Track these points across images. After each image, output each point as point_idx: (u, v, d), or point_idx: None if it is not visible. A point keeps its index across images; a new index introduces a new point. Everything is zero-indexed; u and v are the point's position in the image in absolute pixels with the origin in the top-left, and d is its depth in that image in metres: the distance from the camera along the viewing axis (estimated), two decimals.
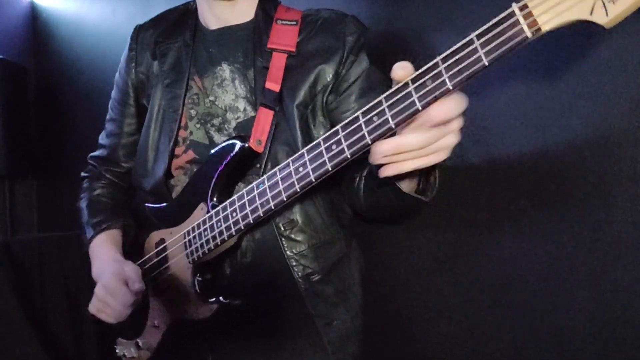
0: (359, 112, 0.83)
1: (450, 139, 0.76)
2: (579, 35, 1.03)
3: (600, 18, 0.65)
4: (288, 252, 1.11)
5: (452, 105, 0.72)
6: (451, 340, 1.29)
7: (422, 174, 0.92)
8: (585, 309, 1.05)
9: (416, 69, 0.76)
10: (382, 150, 0.77)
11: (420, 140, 0.75)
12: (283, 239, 1.11)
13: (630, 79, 0.97)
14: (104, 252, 1.22)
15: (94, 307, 1.15)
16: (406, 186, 0.91)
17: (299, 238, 1.12)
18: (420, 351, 1.36)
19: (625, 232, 1.00)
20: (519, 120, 1.13)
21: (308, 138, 1.11)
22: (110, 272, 1.12)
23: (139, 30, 1.31)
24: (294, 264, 1.11)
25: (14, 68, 2.71)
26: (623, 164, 0.99)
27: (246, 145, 1.08)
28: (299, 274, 1.11)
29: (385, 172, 0.80)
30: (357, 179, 1.11)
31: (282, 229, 1.11)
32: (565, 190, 1.07)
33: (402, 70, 0.75)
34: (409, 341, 1.38)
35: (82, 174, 1.42)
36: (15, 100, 2.67)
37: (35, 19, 3.01)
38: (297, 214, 1.12)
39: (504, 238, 1.18)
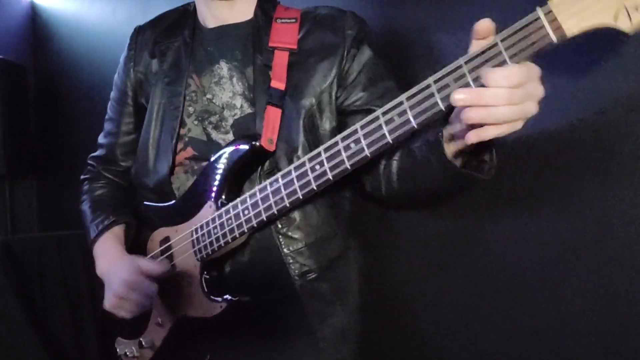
0: (379, 112, 0.83)
1: (530, 107, 0.73)
2: (582, 35, 1.03)
3: (624, 24, 0.66)
4: (285, 250, 1.11)
5: (524, 71, 0.71)
6: (450, 340, 1.29)
7: (473, 152, 0.89)
8: (586, 307, 1.06)
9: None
10: (461, 98, 0.73)
11: (502, 94, 0.71)
12: (280, 236, 1.11)
13: (630, 76, 0.98)
14: (111, 250, 1.22)
15: (110, 304, 1.16)
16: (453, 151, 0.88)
17: (296, 236, 1.12)
18: (419, 351, 1.36)
19: (625, 229, 1.00)
20: None
21: (312, 134, 1.11)
22: (127, 268, 1.13)
23: (138, 31, 1.32)
24: (291, 261, 1.11)
25: (14, 68, 2.71)
26: (624, 161, 0.99)
27: (257, 144, 1.08)
28: (295, 271, 1.11)
29: (470, 138, 0.76)
30: (386, 162, 1.08)
31: (280, 226, 1.12)
32: (565, 187, 1.07)
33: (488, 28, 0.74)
34: (407, 340, 1.38)
35: (82, 176, 1.42)
36: (15, 100, 2.67)
37: (35, 19, 3.01)
38: (295, 212, 1.12)
39: (504, 240, 1.18)
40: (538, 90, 0.73)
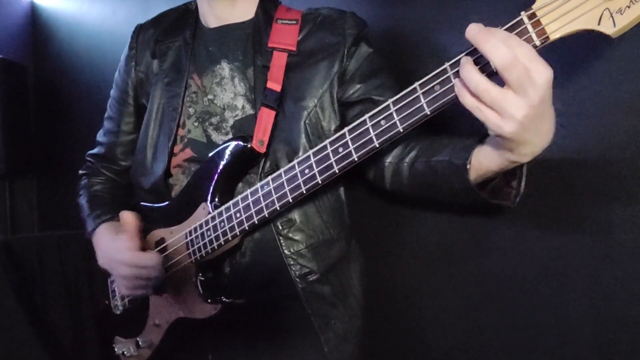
0: (366, 116, 0.83)
1: (513, 108, 0.69)
2: (581, 39, 1.03)
3: (608, 28, 0.66)
4: (286, 252, 1.11)
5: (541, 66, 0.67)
6: (451, 341, 1.29)
7: (500, 175, 0.89)
8: (584, 309, 1.05)
9: (422, 74, 0.76)
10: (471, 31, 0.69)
11: (504, 57, 0.66)
12: (281, 238, 1.11)
13: (630, 81, 0.98)
14: (107, 238, 1.22)
15: (126, 289, 1.16)
16: (475, 180, 0.88)
17: (297, 237, 1.12)
18: (419, 352, 1.36)
19: (624, 232, 1.00)
20: None
21: (315, 136, 1.11)
22: (122, 248, 1.12)
23: (139, 29, 1.32)
24: (292, 263, 1.11)
25: (14, 67, 2.71)
26: (623, 164, 0.99)
27: (248, 145, 1.08)
28: (296, 273, 1.11)
29: (458, 81, 0.73)
30: (393, 162, 1.07)
31: (280, 228, 1.12)
32: (564, 190, 1.07)
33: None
34: (408, 342, 1.38)
35: (80, 171, 1.42)
36: (15, 100, 2.67)
37: (35, 19, 3.01)
38: (295, 214, 1.12)
39: (504, 240, 1.18)
40: (512, 104, 0.69)
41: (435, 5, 1.28)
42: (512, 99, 0.69)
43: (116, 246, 1.15)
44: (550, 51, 1.06)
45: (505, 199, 0.90)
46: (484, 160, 0.85)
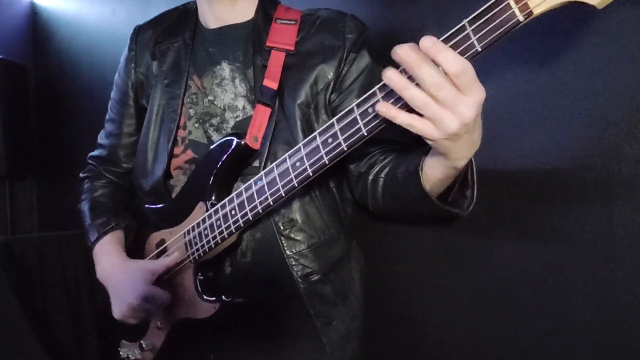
0: (353, 104, 0.83)
1: (449, 118, 0.72)
2: (581, 34, 1.03)
3: None
4: (287, 252, 1.11)
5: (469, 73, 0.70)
6: (451, 341, 1.29)
7: (455, 185, 0.93)
8: (585, 309, 1.05)
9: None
10: (400, 54, 0.71)
11: (431, 78, 0.70)
12: (282, 238, 1.11)
13: (631, 78, 0.97)
14: (114, 255, 1.22)
15: (122, 315, 1.15)
16: (431, 190, 0.91)
17: (298, 237, 1.12)
18: (420, 352, 1.36)
19: (625, 232, 1.00)
20: (519, 121, 1.13)
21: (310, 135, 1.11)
22: (138, 277, 1.13)
23: (138, 30, 1.31)
24: (293, 263, 1.11)
25: (14, 68, 2.71)
26: (624, 164, 0.99)
27: (242, 142, 1.08)
28: (298, 273, 1.11)
29: (379, 107, 0.77)
30: (372, 178, 1.10)
31: (282, 228, 1.12)
32: (565, 190, 1.07)
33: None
34: (409, 342, 1.38)
35: (82, 174, 1.41)
36: (15, 100, 2.67)
37: (35, 19, 3.02)
38: (296, 214, 1.12)
39: (504, 239, 1.17)
40: (465, 107, 0.71)
41: (435, 5, 1.28)
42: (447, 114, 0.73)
43: (132, 273, 1.15)
44: (549, 48, 1.06)
45: (459, 207, 0.94)
46: (428, 171, 0.90)
